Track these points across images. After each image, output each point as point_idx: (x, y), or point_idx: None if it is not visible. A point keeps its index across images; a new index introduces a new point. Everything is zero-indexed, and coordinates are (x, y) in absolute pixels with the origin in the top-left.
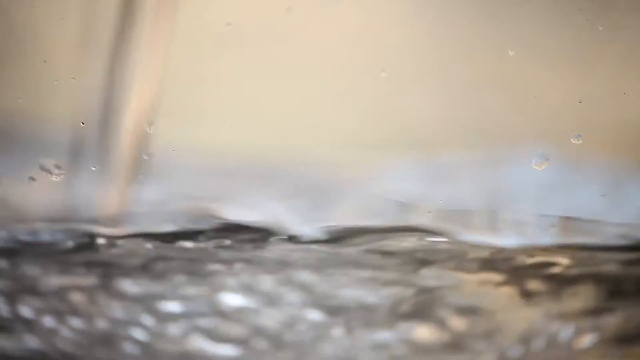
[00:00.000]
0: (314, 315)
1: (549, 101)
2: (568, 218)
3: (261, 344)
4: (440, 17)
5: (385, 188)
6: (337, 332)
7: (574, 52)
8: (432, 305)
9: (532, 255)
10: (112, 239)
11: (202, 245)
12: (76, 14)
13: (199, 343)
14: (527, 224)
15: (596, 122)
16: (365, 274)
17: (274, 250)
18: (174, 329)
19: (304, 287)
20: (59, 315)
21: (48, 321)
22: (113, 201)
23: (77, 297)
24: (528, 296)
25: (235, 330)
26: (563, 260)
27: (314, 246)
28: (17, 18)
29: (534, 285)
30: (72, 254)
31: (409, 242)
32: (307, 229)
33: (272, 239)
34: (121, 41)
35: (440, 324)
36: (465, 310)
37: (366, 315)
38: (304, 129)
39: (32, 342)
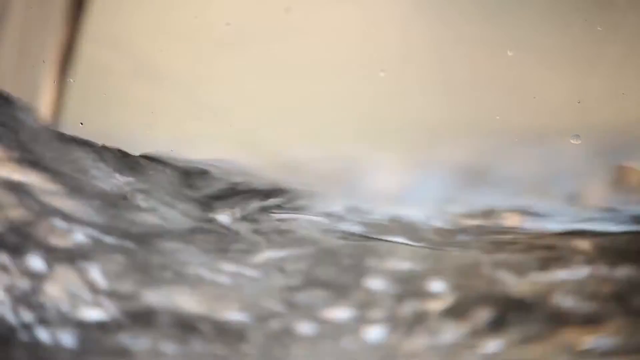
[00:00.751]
0: None
1: (548, 101)
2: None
3: None
4: (440, 17)
5: (383, 186)
6: None
7: (573, 52)
8: None
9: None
10: None
11: None
12: None
13: None
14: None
15: (595, 122)
16: None
17: None
18: None
19: None
20: None
21: None
22: None
23: None
24: None
25: None
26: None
27: None
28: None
29: None
30: None
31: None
32: None
33: None
34: None
35: None
36: None
37: None
38: (303, 128)
39: None
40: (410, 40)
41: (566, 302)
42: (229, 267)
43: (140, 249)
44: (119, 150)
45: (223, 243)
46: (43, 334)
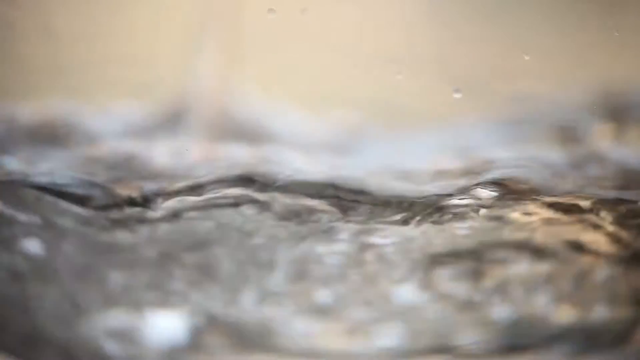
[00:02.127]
0: None
1: (547, 101)
2: None
3: None
4: (442, 19)
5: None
6: None
7: (579, 53)
8: None
9: None
10: None
11: None
12: None
13: None
14: None
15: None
16: None
17: None
18: None
19: None
20: None
21: None
22: None
23: None
24: None
25: None
26: None
27: None
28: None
29: None
30: None
31: None
32: None
33: None
34: None
35: None
36: None
37: None
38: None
39: None
40: (416, 41)
41: None
42: None
43: None
44: None
45: None
46: None
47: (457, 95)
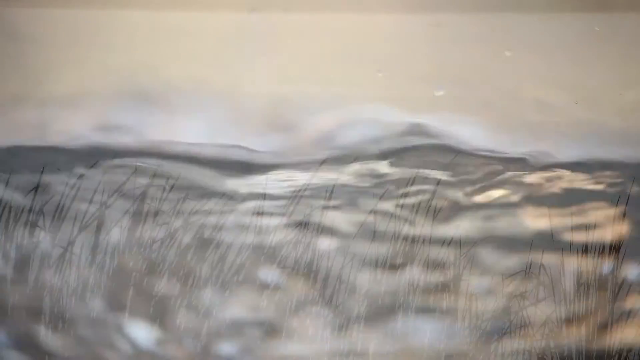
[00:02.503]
0: None
1: (546, 101)
2: None
3: None
4: (438, 17)
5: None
6: None
7: (572, 52)
8: None
9: None
10: None
11: None
12: None
13: None
14: None
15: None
16: None
17: None
18: None
19: None
20: None
21: None
22: None
23: None
24: None
25: None
26: None
27: None
28: None
29: None
30: None
31: None
32: None
33: None
34: None
35: None
36: None
37: None
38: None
39: None
40: (407, 40)
41: None
42: None
43: None
44: None
45: None
46: None
47: (439, 93)
